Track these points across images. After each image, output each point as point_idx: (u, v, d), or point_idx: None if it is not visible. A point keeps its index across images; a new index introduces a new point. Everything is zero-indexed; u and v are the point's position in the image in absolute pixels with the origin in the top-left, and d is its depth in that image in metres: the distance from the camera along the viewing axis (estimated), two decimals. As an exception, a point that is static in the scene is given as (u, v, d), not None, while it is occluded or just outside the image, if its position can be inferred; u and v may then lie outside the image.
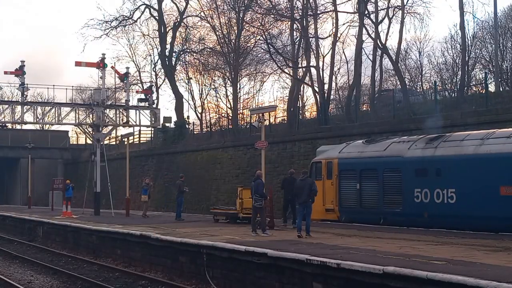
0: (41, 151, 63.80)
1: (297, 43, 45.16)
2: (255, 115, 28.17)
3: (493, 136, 21.29)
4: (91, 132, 40.45)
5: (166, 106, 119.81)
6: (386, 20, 40.26)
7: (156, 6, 55.82)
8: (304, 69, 44.90)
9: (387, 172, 24.38)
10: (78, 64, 39.92)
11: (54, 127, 68.50)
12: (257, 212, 21.19)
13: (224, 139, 44.92)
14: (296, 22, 43.50)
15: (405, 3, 40.05)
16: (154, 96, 48.71)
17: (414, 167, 23.14)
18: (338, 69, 52.15)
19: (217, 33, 52.11)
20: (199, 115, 58.95)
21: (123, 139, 51.94)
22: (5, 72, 39.50)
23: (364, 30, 39.54)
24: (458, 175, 21.55)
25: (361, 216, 25.17)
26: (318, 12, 42.39)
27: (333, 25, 42.13)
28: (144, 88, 48.31)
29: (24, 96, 38.94)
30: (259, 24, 46.53)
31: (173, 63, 56.77)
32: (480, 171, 20.88)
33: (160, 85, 62.15)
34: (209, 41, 55.71)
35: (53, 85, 42.33)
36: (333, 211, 26.61)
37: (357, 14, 39.85)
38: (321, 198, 25.84)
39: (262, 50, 47.96)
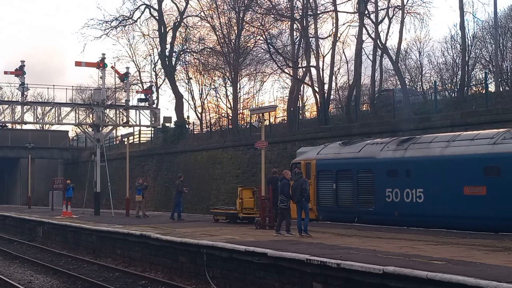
0: (41, 151, 63.85)
1: (297, 43, 45.15)
2: (255, 115, 28.13)
3: (458, 139, 21.96)
4: (91, 132, 40.43)
5: (166, 106, 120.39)
6: (386, 20, 40.15)
7: (156, 6, 55.88)
8: (304, 69, 44.88)
9: (361, 173, 25.04)
10: (78, 64, 39.91)
11: (54, 127, 68.60)
12: (282, 213, 20.62)
13: (224, 139, 44.89)
14: (296, 22, 43.47)
15: (405, 3, 39.96)
16: (154, 96, 48.81)
17: (385, 168, 23.76)
18: (338, 69, 52.18)
19: (217, 33, 52.13)
20: (199, 115, 59.08)
21: (123, 139, 51.93)
22: (5, 72, 39.52)
23: (364, 30, 39.46)
24: (426, 176, 22.25)
25: (337, 215, 25.84)
26: (318, 12, 42.36)
27: (333, 25, 42.13)
28: (144, 88, 48.35)
29: (24, 96, 38.92)
30: (259, 24, 46.53)
31: (173, 63, 56.77)
32: (445, 172, 21.55)
33: (160, 85, 62.33)
34: (209, 41, 55.83)
35: (53, 85, 42.53)
36: (311, 210, 26.83)
37: (357, 14, 39.78)
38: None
39: (262, 50, 48.05)
